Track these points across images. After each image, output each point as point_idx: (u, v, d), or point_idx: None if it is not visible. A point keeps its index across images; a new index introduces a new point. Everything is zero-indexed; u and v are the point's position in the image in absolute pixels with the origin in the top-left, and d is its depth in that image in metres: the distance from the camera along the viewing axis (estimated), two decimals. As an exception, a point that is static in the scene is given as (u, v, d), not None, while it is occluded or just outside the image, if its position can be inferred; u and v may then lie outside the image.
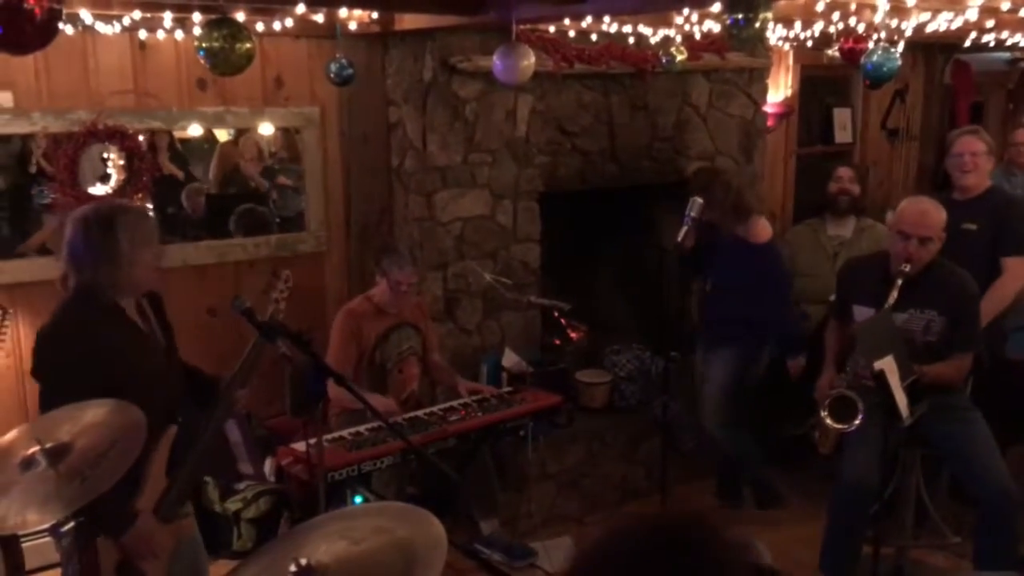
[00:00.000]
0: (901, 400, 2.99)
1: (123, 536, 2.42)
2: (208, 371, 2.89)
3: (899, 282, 3.30)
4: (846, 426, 3.26)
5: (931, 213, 3.37)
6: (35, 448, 2.05)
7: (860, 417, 3.22)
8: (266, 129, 4.52)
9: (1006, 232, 3.95)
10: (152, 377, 2.54)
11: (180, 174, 4.53)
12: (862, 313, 3.43)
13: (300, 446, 3.21)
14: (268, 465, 4.08)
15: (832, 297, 4.13)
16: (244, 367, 2.65)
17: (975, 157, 4.06)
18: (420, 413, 3.80)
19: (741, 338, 4.20)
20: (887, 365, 2.97)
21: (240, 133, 4.62)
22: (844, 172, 5.03)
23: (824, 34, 5.03)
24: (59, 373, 2.43)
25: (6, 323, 3.71)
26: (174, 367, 2.70)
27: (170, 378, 2.65)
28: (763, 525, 4.23)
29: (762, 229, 4.21)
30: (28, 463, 2.04)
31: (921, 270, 3.36)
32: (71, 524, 2.19)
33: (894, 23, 4.33)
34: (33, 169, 4.04)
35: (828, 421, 3.31)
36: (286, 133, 4.64)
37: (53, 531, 2.50)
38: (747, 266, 4.15)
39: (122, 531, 2.41)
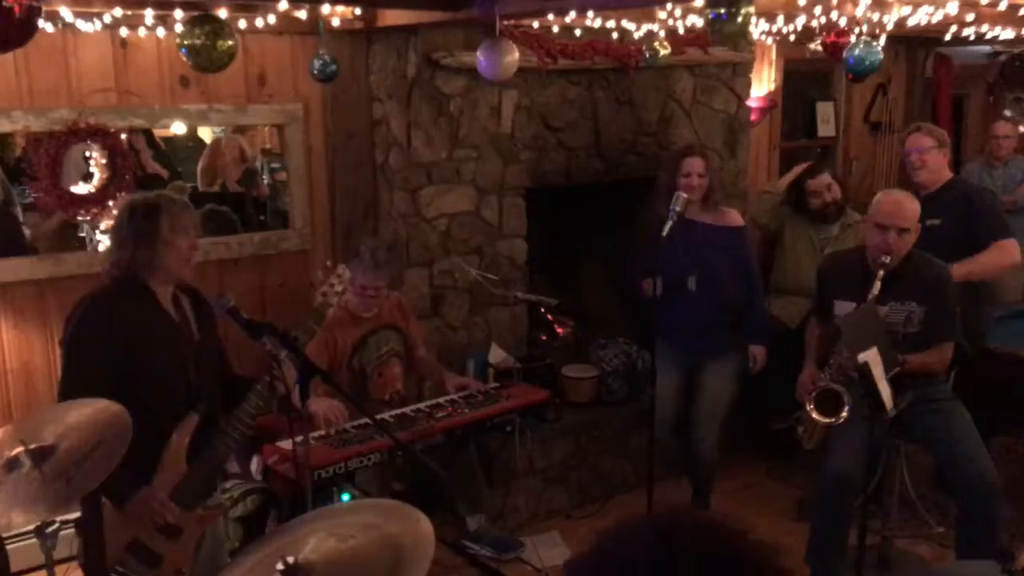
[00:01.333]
0: (885, 392, 3.00)
1: (126, 503, 2.50)
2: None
3: (880, 274, 3.32)
4: (833, 419, 3.28)
5: (906, 204, 3.41)
6: (19, 449, 2.04)
7: (846, 409, 3.23)
8: (253, 118, 4.50)
9: (979, 225, 3.93)
10: (172, 363, 2.66)
11: (165, 173, 4.52)
12: (843, 308, 3.46)
13: (286, 444, 3.20)
14: (255, 463, 4.06)
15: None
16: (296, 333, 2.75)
17: (922, 154, 4.02)
18: (407, 410, 3.79)
19: (738, 340, 4.11)
20: (871, 357, 2.99)
21: (238, 130, 4.61)
22: (820, 183, 4.73)
23: (807, 28, 5.05)
24: (78, 345, 2.58)
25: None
26: (204, 359, 2.78)
27: (193, 369, 2.72)
28: (748, 516, 4.26)
29: (736, 215, 4.21)
30: (12, 464, 2.04)
31: (899, 263, 3.39)
32: (55, 525, 2.18)
33: (876, 17, 4.35)
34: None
35: (814, 415, 3.33)
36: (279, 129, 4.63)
37: (39, 532, 2.49)
38: (731, 252, 4.06)
39: (125, 498, 2.50)
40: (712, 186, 4.08)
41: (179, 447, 2.61)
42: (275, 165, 4.79)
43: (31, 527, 2.27)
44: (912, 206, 3.41)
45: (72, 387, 2.51)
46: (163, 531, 2.58)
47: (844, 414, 3.25)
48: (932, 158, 4.00)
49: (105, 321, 2.59)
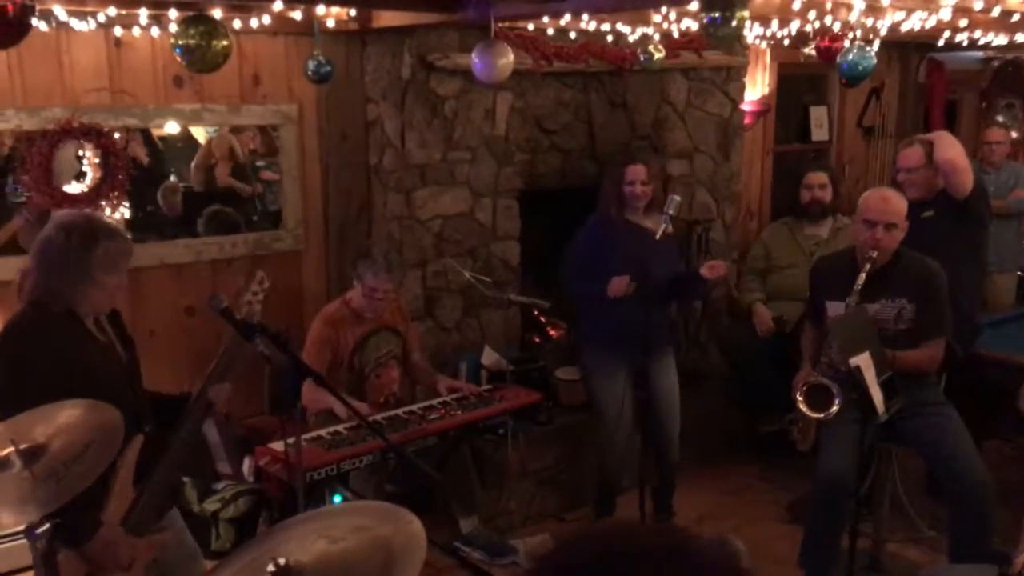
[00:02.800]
0: (877, 396, 3.01)
1: (86, 545, 2.34)
2: (172, 389, 2.84)
3: (867, 267, 3.35)
4: (823, 414, 3.29)
5: (893, 200, 3.45)
6: (9, 449, 2.03)
7: (837, 402, 3.23)
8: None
9: (976, 203, 3.94)
10: (112, 386, 2.48)
11: (144, 159, 4.42)
12: (834, 308, 3.47)
13: (278, 446, 3.20)
14: (246, 465, 4.06)
15: (810, 295, 4.16)
16: (217, 370, 2.62)
17: (910, 174, 3.98)
18: (399, 412, 3.79)
19: (672, 338, 4.24)
20: (863, 361, 2.99)
21: (234, 131, 4.61)
22: (814, 179, 4.84)
23: (801, 33, 5.07)
24: (16, 379, 2.38)
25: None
26: (135, 379, 2.66)
27: (132, 388, 2.60)
28: (742, 521, 4.27)
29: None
30: (2, 464, 2.02)
31: (889, 260, 3.42)
32: (46, 526, 2.16)
33: (869, 22, 4.37)
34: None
35: (804, 409, 3.34)
36: (262, 130, 4.62)
37: (28, 533, 2.47)
38: (668, 256, 4.01)
39: (84, 539, 2.34)
40: (656, 196, 4.11)
41: (126, 471, 2.47)
42: (259, 163, 4.78)
43: (21, 527, 2.25)
44: (899, 202, 3.45)
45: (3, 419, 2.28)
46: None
47: (835, 408, 3.25)
48: (920, 177, 3.97)
49: (37, 354, 2.38)
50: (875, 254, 3.37)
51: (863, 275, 3.34)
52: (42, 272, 2.45)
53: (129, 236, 2.69)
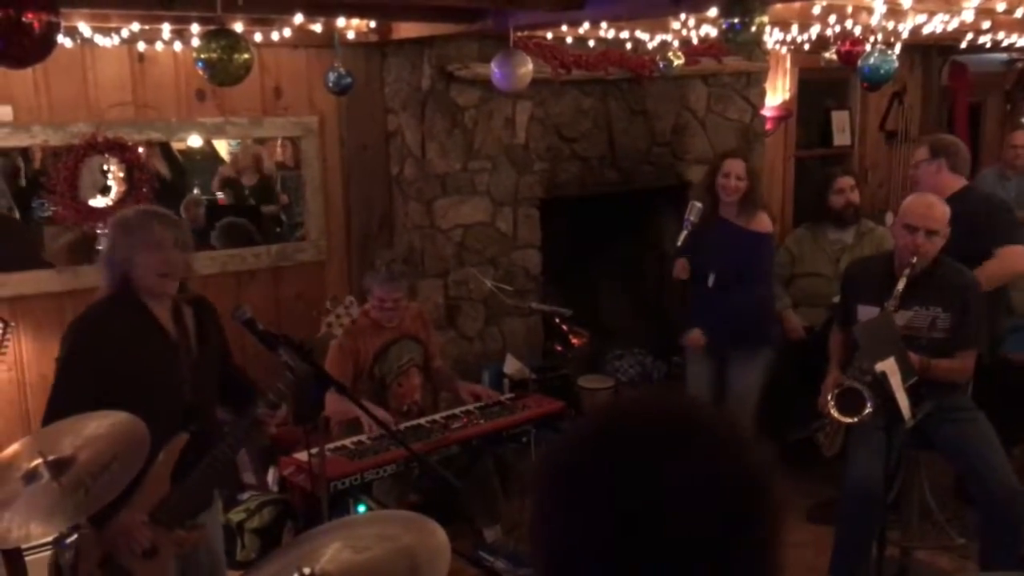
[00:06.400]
0: (903, 401, 2.98)
1: (103, 526, 2.41)
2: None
3: (906, 273, 3.30)
4: (855, 418, 3.25)
5: (937, 206, 3.38)
6: (38, 461, 2.05)
7: (869, 406, 3.19)
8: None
9: (985, 231, 3.89)
10: (160, 382, 2.58)
11: (167, 175, 4.49)
12: (867, 313, 3.42)
13: (302, 456, 3.21)
14: (271, 475, 4.08)
15: (835, 299, 4.12)
16: (275, 393, 2.63)
17: (915, 170, 4.00)
18: (422, 421, 3.79)
19: (769, 335, 4.20)
20: (888, 367, 2.96)
21: (258, 142, 4.65)
22: (845, 182, 4.80)
23: (821, 37, 5.04)
24: (67, 365, 2.55)
25: (7, 336, 3.71)
26: (203, 376, 2.71)
27: (189, 387, 2.65)
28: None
29: (766, 219, 4.23)
30: (31, 476, 2.04)
31: (925, 267, 3.36)
32: (74, 537, 2.18)
33: (890, 25, 4.33)
34: (23, 183, 4.05)
35: (835, 413, 3.30)
36: (292, 141, 4.66)
37: (57, 544, 2.50)
38: (756, 254, 4.11)
39: (103, 520, 2.40)
40: (750, 190, 4.11)
41: (164, 466, 2.52)
42: (276, 188, 4.82)
43: (49, 539, 2.28)
44: (943, 209, 3.37)
45: (57, 408, 2.43)
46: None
47: (868, 410, 3.20)
48: (922, 172, 3.94)
49: (94, 340, 2.54)
50: (915, 260, 3.31)
51: (903, 281, 3.29)
52: (101, 267, 2.66)
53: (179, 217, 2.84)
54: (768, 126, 5.67)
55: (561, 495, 0.91)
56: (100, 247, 2.74)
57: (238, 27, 3.38)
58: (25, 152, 4.01)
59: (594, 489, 0.89)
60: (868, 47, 4.28)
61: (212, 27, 3.20)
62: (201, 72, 3.15)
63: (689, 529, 0.85)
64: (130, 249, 2.56)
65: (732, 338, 4.11)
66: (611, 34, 4.51)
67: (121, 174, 3.98)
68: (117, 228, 2.61)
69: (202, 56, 3.08)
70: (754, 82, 5.41)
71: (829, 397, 3.33)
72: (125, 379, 2.47)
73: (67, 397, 2.46)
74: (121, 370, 2.50)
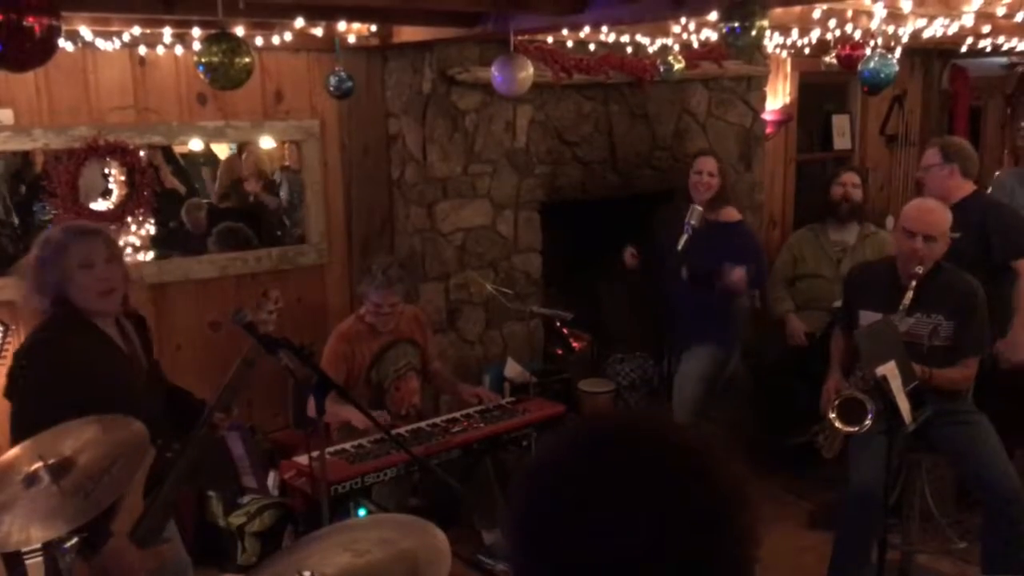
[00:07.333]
0: (904, 405, 2.97)
1: (98, 552, 2.36)
2: (198, 394, 2.86)
3: (913, 284, 3.29)
4: (856, 428, 3.24)
5: (935, 212, 3.36)
6: (38, 464, 2.05)
7: (869, 418, 3.19)
8: (267, 143, 4.53)
9: (994, 242, 3.89)
10: (130, 396, 2.51)
11: (183, 189, 4.55)
12: (870, 319, 3.42)
13: (303, 459, 3.21)
14: (271, 479, 4.07)
15: (837, 303, 4.11)
16: (226, 392, 2.62)
17: (925, 173, 4.03)
18: (422, 424, 3.79)
19: (722, 334, 4.26)
20: (889, 370, 2.96)
21: (243, 146, 4.64)
22: (848, 177, 4.88)
23: (821, 41, 5.04)
24: (34, 391, 2.43)
25: (8, 340, 3.71)
26: (155, 390, 2.68)
27: (149, 399, 2.62)
28: (769, 533, 4.22)
29: (733, 211, 4.33)
30: (31, 479, 2.04)
31: (927, 273, 3.35)
32: (74, 540, 2.17)
33: (891, 29, 4.34)
34: (24, 187, 4.06)
35: (836, 423, 3.29)
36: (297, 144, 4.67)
37: (57, 548, 2.49)
38: (723, 245, 4.11)
39: (98, 546, 2.35)
40: (722, 189, 4.19)
41: (138, 484, 2.47)
42: (265, 196, 4.83)
43: (38, 544, 2.26)
44: (942, 215, 3.35)
45: (25, 430, 2.32)
46: None
47: (868, 422, 3.20)
48: (932, 176, 3.95)
49: (56, 359, 2.44)
50: (920, 269, 3.28)
51: (910, 293, 3.28)
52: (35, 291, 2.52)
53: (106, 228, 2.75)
54: (769, 130, 5.68)
55: (532, 545, 0.97)
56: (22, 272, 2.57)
57: (239, 31, 3.38)
58: (26, 156, 4.02)
59: (564, 545, 0.93)
60: (868, 51, 4.28)
61: (213, 31, 3.20)
62: (202, 76, 3.15)
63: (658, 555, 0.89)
64: (61, 272, 2.47)
65: (694, 332, 4.25)
66: (612, 38, 4.51)
67: (122, 178, 3.98)
68: (43, 250, 2.50)
69: (203, 60, 3.08)
70: (755, 86, 5.41)
71: (831, 406, 3.32)
72: (92, 401, 2.35)
73: (34, 421, 2.31)
74: (88, 392, 2.41)
